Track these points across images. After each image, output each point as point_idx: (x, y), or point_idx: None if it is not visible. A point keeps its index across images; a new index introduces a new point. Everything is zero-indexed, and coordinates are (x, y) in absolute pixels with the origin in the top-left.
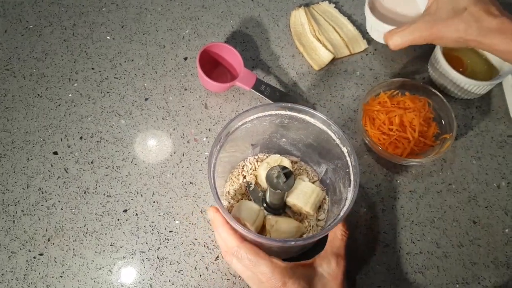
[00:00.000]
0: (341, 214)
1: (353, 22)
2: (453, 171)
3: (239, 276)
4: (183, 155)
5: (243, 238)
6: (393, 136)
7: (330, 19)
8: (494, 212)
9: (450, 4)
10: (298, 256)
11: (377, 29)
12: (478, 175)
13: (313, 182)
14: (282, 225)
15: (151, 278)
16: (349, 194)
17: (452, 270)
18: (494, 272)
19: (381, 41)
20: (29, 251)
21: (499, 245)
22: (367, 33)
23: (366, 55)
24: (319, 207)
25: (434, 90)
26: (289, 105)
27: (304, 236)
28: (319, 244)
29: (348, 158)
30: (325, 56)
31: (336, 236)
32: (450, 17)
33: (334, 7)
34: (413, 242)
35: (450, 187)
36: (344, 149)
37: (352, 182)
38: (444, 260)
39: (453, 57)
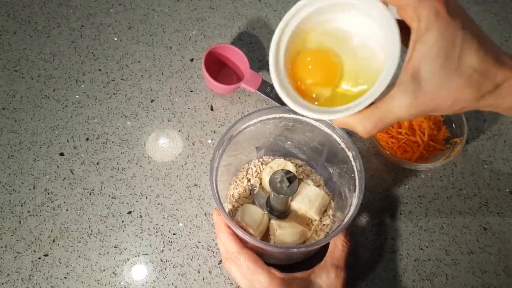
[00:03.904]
0: (345, 220)
1: None
2: (463, 176)
3: None
4: (188, 157)
5: (244, 244)
6: (401, 140)
7: None
8: (505, 219)
9: (447, 63)
10: (302, 261)
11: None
12: (490, 180)
13: (318, 186)
14: (286, 230)
15: (154, 281)
16: (354, 200)
17: (461, 278)
18: (505, 280)
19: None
20: (34, 251)
21: (510, 252)
22: None
23: None
24: (324, 212)
25: None
26: None
27: (308, 242)
28: (324, 250)
29: (353, 163)
30: None
31: (337, 246)
32: (449, 82)
33: None
34: (421, 249)
35: (461, 193)
36: (349, 154)
37: (357, 187)
38: (453, 267)
39: None
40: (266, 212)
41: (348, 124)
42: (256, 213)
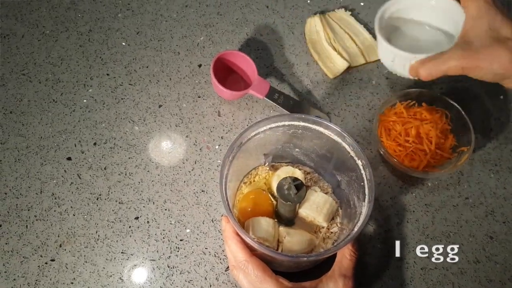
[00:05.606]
0: (355, 229)
1: (370, 30)
2: (470, 185)
3: None
4: (195, 163)
5: (252, 253)
6: (409, 148)
7: (346, 26)
8: None
9: (489, 32)
10: (310, 269)
11: (402, 62)
12: (496, 189)
13: (325, 193)
14: (294, 237)
15: (161, 287)
16: (364, 209)
17: (467, 287)
18: None
19: (406, 75)
20: (41, 256)
21: None
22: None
23: (383, 63)
24: (331, 220)
25: (451, 102)
26: (303, 116)
27: (317, 250)
28: (332, 258)
29: (363, 171)
30: (340, 65)
31: (345, 256)
32: (490, 45)
33: (350, 14)
34: (428, 257)
35: (467, 201)
36: (359, 162)
37: (367, 196)
38: (459, 276)
39: None
40: (275, 220)
41: (416, 69)
42: (267, 224)
